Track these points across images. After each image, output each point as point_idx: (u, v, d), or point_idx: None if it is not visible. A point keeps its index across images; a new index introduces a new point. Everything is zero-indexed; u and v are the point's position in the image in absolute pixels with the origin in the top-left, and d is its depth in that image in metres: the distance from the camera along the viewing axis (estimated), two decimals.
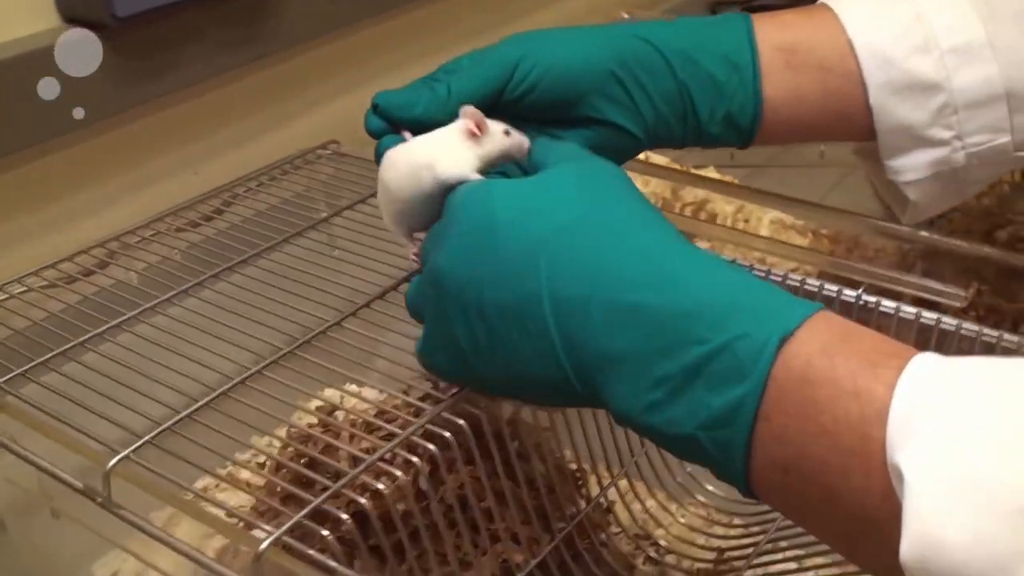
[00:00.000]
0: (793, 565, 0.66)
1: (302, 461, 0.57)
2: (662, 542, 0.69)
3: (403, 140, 0.55)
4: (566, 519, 0.61)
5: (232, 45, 0.81)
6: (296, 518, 0.48)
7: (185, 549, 0.49)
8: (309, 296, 0.64)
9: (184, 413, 0.55)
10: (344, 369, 0.58)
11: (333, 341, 0.60)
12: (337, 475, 0.58)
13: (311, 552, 0.47)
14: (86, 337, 0.61)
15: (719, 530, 0.71)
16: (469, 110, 0.53)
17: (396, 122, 0.57)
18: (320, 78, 0.95)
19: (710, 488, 0.73)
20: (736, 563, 0.67)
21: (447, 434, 0.52)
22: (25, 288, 0.67)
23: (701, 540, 0.70)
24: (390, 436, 0.56)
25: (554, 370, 0.46)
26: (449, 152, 0.52)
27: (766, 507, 0.66)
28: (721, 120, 0.60)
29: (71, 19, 0.71)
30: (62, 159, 0.75)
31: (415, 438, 0.52)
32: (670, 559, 0.67)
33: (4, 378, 0.58)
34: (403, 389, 0.57)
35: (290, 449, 0.59)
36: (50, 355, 0.60)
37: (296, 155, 0.82)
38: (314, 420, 0.60)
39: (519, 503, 0.58)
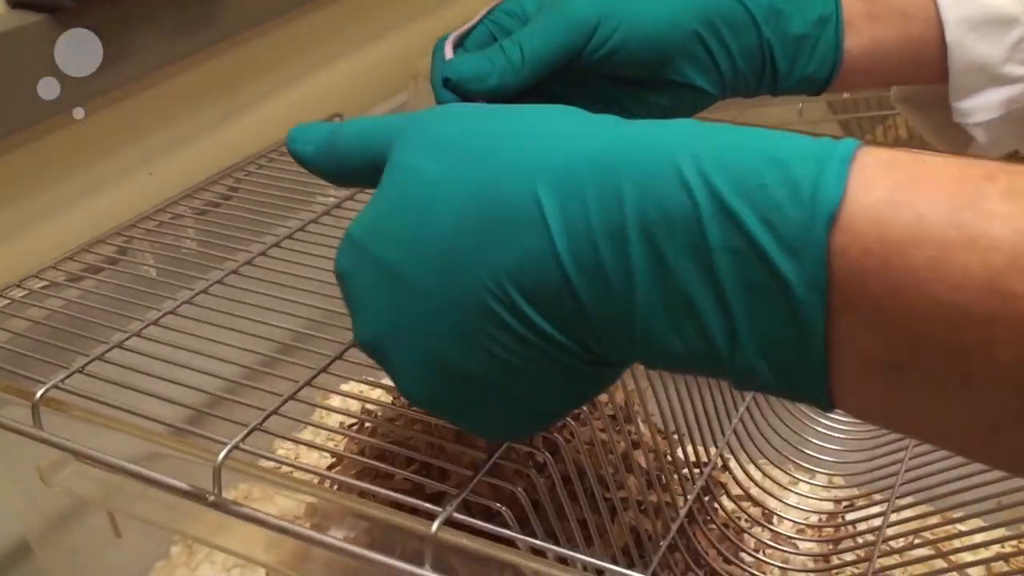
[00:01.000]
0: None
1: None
2: (774, 507, 0.65)
3: None
4: (683, 484, 0.57)
5: (188, 29, 0.76)
6: (463, 493, 0.43)
7: (330, 541, 0.43)
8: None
9: (287, 396, 0.49)
10: None
11: None
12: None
13: (486, 526, 0.42)
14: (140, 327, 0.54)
15: (832, 493, 0.68)
16: None
17: (471, 96, 0.51)
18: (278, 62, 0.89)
19: (818, 449, 0.70)
20: (852, 527, 0.63)
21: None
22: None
23: (813, 504, 0.66)
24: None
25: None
26: None
27: (886, 463, 0.64)
28: (799, 75, 0.57)
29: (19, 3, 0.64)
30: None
31: None
32: (784, 525, 0.64)
33: (61, 377, 0.50)
34: None
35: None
36: (108, 347, 0.53)
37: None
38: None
39: (639, 469, 0.54)
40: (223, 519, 0.46)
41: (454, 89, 0.50)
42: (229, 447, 0.45)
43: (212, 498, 0.45)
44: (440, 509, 0.42)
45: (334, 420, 0.71)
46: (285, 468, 0.48)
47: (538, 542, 0.41)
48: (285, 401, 0.48)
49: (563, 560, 0.41)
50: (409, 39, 1.02)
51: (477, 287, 0.36)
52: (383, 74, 0.97)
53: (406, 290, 0.38)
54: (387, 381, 0.42)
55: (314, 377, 0.50)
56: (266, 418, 0.47)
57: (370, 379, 0.53)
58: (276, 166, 0.72)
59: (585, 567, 0.42)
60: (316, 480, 0.62)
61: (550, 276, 0.35)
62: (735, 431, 0.62)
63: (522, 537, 0.42)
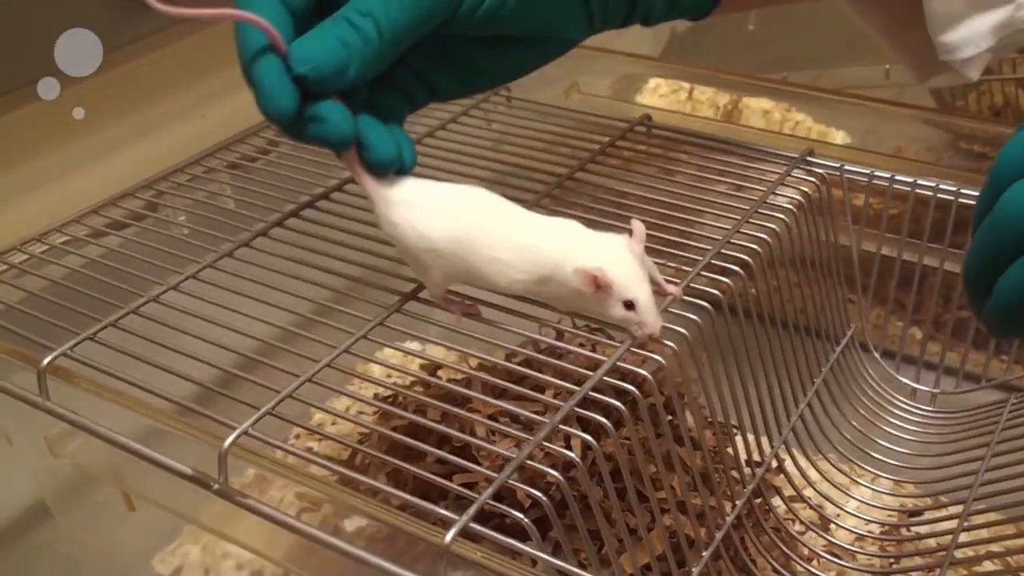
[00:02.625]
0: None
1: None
2: (831, 512, 0.60)
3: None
4: (732, 487, 0.52)
5: None
6: (482, 499, 0.39)
7: (337, 544, 0.40)
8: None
9: (304, 377, 0.45)
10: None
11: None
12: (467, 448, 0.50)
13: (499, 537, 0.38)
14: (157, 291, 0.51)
15: (898, 500, 0.62)
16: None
17: (325, 93, 0.43)
18: None
19: (884, 450, 0.64)
20: (917, 537, 0.58)
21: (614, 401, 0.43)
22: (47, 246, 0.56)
23: (877, 513, 0.61)
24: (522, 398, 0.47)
25: None
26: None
27: (960, 470, 0.58)
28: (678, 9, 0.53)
29: None
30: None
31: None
32: (841, 534, 0.59)
33: (70, 344, 0.47)
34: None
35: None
36: (120, 315, 0.49)
37: None
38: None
39: (684, 469, 0.50)
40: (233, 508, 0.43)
41: (308, 87, 0.42)
42: (237, 432, 0.42)
43: (217, 486, 0.42)
44: (456, 517, 0.38)
45: (365, 390, 0.67)
46: (294, 459, 0.45)
47: (559, 563, 0.38)
48: (302, 383, 0.45)
49: None
50: None
51: None
52: None
53: None
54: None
55: (333, 358, 0.46)
56: (279, 401, 0.44)
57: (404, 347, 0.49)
58: None
59: None
60: (346, 452, 0.59)
61: None
62: (794, 428, 0.58)
63: (543, 556, 0.38)
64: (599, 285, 0.43)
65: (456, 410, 0.46)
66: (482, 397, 0.48)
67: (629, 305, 0.43)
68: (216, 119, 0.78)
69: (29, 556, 0.62)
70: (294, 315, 0.50)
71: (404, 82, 0.49)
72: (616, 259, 0.43)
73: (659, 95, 0.96)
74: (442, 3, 0.44)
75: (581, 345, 0.52)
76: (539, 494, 0.39)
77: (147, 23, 0.71)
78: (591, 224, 0.46)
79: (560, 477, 0.40)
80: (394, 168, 0.46)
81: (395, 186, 0.46)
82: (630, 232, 0.45)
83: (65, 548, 0.62)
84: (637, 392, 0.44)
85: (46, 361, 0.46)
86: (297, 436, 0.69)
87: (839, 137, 0.87)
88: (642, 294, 0.43)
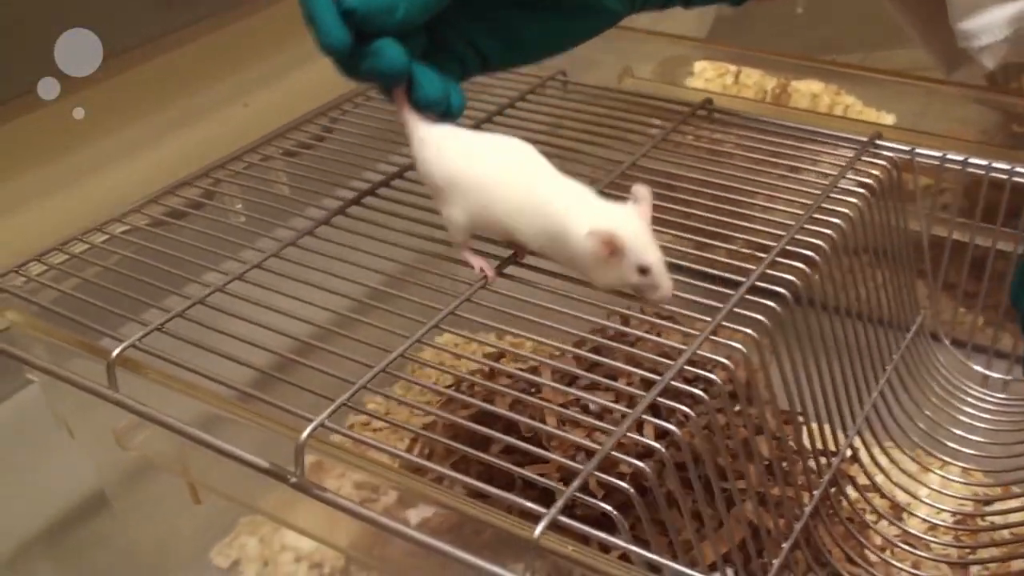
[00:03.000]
0: None
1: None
2: (903, 500, 0.59)
3: None
4: (808, 477, 0.51)
5: None
6: (570, 491, 0.38)
7: (411, 534, 0.39)
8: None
9: (378, 368, 0.44)
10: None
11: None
12: (542, 437, 0.50)
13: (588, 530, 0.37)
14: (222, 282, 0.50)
15: (971, 490, 0.61)
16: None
17: (375, 32, 0.44)
18: None
19: (956, 439, 0.63)
20: (991, 526, 0.57)
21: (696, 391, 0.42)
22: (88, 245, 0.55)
23: (950, 501, 0.60)
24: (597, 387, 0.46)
25: None
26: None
27: None
28: None
29: None
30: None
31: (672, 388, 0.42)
32: (914, 522, 0.58)
33: (139, 335, 0.47)
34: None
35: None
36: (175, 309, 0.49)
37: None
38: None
39: (762, 459, 0.49)
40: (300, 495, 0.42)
41: (359, 23, 0.44)
42: (314, 424, 0.41)
43: (294, 479, 0.41)
44: (544, 510, 0.37)
45: (427, 375, 0.67)
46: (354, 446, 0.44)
47: (654, 557, 0.37)
48: (376, 374, 0.44)
49: None
50: None
51: None
52: None
53: None
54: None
55: (407, 347, 0.45)
56: (354, 392, 0.43)
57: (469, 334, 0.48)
58: (373, 104, 0.67)
59: None
60: (409, 441, 0.59)
61: None
62: (867, 417, 0.56)
63: (635, 549, 0.37)
64: (613, 249, 0.42)
65: (528, 398, 0.45)
66: (553, 384, 0.47)
67: (644, 270, 0.43)
68: (260, 107, 0.78)
69: (86, 547, 0.62)
70: (358, 302, 0.50)
71: (455, 46, 0.50)
72: (628, 223, 0.43)
73: (705, 79, 0.94)
74: None
75: (647, 331, 0.51)
76: (626, 485, 0.39)
77: (184, 15, 0.71)
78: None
79: (646, 467, 0.39)
80: (440, 108, 0.47)
81: (434, 128, 0.48)
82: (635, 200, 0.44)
83: (122, 540, 0.61)
84: (717, 380, 0.43)
85: (115, 352, 0.46)
86: (351, 426, 0.69)
87: (890, 120, 0.86)
88: (655, 258, 0.43)
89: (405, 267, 0.51)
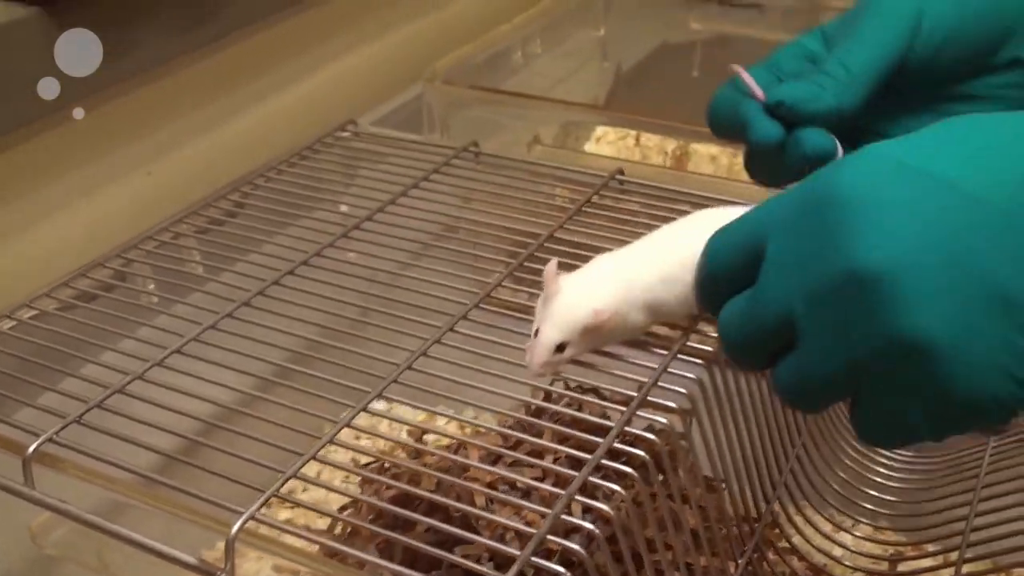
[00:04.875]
0: None
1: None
2: (821, 563, 0.60)
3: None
4: (733, 545, 0.52)
5: (187, 25, 0.72)
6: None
7: None
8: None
9: (307, 456, 0.44)
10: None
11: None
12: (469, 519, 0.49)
13: None
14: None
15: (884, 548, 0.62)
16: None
17: (804, 120, 0.45)
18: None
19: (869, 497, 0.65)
20: None
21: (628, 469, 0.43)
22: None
23: (864, 560, 0.61)
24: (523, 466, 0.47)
25: None
26: None
27: (949, 515, 0.59)
28: None
29: None
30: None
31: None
32: None
33: (56, 429, 0.45)
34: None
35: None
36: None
37: (312, 142, 0.70)
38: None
39: (687, 529, 0.50)
40: None
41: (787, 113, 0.45)
42: (244, 517, 0.41)
43: (223, 575, 0.41)
44: None
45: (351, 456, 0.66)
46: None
47: None
48: (305, 462, 0.43)
49: None
50: (417, 34, 0.97)
51: None
52: (390, 70, 0.93)
53: (978, 209, 0.32)
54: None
55: (336, 432, 0.45)
56: (283, 483, 0.42)
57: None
58: (284, 179, 0.67)
59: None
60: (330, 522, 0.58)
61: None
62: (785, 482, 0.58)
63: None
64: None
65: (449, 479, 0.45)
66: (477, 464, 0.47)
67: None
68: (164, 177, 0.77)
69: None
70: (280, 384, 0.49)
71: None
72: None
73: (607, 142, 0.96)
74: (900, 38, 0.45)
75: (568, 405, 0.51)
76: (561, 569, 0.39)
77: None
78: None
79: (579, 548, 0.39)
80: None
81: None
82: None
83: None
84: (647, 457, 0.44)
85: (32, 448, 0.44)
86: (269, 504, 0.67)
87: None
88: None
89: (327, 347, 0.51)
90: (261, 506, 0.41)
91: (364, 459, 0.62)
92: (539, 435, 0.48)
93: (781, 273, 0.36)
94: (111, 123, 0.71)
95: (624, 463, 0.43)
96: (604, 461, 0.43)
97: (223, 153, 0.77)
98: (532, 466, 0.49)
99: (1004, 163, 0.33)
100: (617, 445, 0.44)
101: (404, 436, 0.57)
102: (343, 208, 0.64)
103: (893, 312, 0.32)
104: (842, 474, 0.63)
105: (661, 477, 0.48)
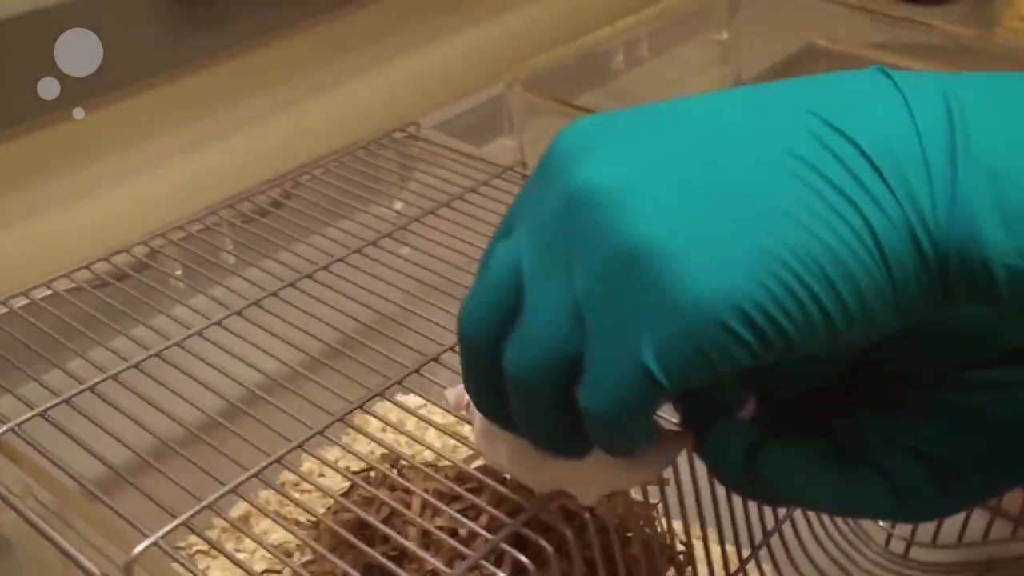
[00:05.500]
0: None
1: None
2: None
3: None
4: None
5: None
6: None
7: None
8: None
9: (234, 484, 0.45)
10: None
11: None
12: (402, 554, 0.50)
13: None
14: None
15: None
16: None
17: None
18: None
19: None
20: None
21: (544, 543, 0.42)
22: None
23: None
24: (471, 509, 0.47)
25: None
26: None
27: None
28: None
29: None
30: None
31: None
32: None
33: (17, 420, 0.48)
34: None
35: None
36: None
37: (371, 140, 0.71)
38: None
39: None
40: None
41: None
42: (146, 543, 0.42)
43: None
44: None
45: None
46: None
47: None
48: (223, 494, 0.45)
49: None
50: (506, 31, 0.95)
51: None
52: (471, 68, 0.91)
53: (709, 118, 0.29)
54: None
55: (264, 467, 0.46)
56: (195, 513, 0.44)
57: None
58: (327, 179, 0.68)
59: None
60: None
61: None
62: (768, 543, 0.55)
63: None
64: None
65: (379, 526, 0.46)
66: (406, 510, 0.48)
67: None
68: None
69: None
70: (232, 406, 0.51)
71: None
72: None
73: None
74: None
75: None
76: None
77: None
78: None
79: None
80: None
81: None
82: None
83: None
84: (587, 516, 0.43)
85: None
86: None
87: None
88: None
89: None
90: (167, 534, 0.43)
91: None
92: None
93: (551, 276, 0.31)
94: (187, 99, 0.73)
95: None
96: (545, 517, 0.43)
97: (287, 142, 0.78)
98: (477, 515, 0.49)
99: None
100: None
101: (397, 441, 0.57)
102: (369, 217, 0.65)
103: (615, 226, 0.28)
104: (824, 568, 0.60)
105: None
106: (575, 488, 0.40)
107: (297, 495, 0.68)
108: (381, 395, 0.50)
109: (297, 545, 0.60)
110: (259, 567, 0.62)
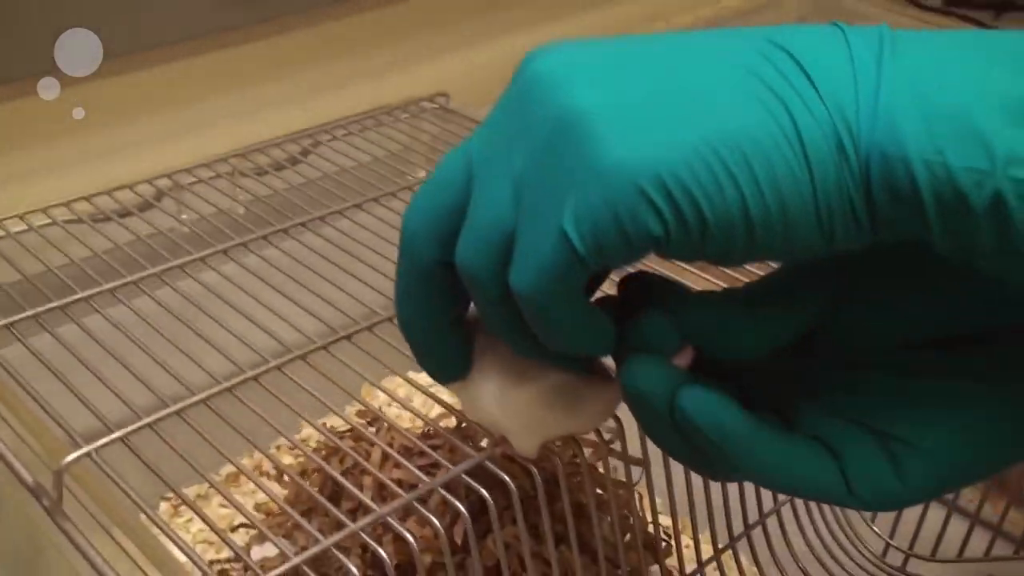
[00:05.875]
0: None
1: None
2: None
3: None
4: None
5: None
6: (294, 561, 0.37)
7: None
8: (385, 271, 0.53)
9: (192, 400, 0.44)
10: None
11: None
12: (359, 506, 0.48)
13: None
14: (95, 291, 0.51)
15: None
16: None
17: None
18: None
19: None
20: None
21: (484, 491, 0.40)
22: (49, 221, 0.57)
23: None
24: (433, 467, 0.45)
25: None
26: None
27: None
28: None
29: None
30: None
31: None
32: None
33: None
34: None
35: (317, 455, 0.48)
36: (46, 308, 0.50)
37: (397, 105, 0.71)
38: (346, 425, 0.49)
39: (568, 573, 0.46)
40: None
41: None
42: (77, 454, 0.41)
43: (47, 503, 0.42)
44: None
45: None
46: None
47: None
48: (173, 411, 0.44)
49: None
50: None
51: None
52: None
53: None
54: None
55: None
56: (136, 430, 0.43)
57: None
58: (348, 140, 0.67)
59: None
60: None
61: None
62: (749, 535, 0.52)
63: None
64: None
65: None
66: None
67: None
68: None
69: None
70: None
71: None
72: None
73: None
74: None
75: None
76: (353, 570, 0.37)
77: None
78: None
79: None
80: None
81: None
82: None
83: None
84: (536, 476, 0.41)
85: None
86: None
87: None
88: None
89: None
90: (104, 445, 0.42)
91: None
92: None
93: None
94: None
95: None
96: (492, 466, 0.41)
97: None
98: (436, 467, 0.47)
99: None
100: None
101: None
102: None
103: (553, 98, 0.29)
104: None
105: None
106: (516, 437, 0.38)
107: (291, 460, 0.68)
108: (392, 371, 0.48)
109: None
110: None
